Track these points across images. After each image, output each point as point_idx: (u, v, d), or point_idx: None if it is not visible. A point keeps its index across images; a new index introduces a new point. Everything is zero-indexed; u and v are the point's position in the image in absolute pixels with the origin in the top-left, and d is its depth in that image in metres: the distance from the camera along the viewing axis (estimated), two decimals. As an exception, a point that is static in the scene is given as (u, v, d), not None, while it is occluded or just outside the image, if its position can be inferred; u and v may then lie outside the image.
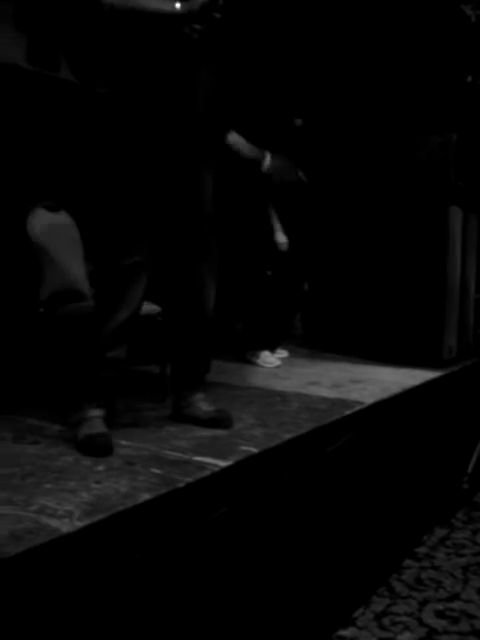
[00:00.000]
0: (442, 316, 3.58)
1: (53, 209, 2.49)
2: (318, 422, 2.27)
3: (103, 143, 2.10)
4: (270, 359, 3.60)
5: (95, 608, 1.27)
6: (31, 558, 1.22)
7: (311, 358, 3.91)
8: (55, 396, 2.29)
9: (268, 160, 3.21)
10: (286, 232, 3.62)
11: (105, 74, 2.12)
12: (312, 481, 2.03)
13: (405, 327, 3.65)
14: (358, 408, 2.53)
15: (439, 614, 2.07)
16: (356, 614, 2.07)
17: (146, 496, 1.50)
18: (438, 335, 3.58)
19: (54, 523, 1.34)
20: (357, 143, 3.97)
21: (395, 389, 2.92)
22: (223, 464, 1.74)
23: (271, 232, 3.56)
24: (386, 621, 2.03)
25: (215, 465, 1.73)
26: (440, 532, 2.77)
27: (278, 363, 3.60)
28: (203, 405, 2.19)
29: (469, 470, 3.28)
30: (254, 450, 1.90)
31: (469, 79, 4.03)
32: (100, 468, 1.69)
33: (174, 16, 1.87)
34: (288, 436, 2.08)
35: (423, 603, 2.13)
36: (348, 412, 2.44)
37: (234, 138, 3.25)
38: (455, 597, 2.17)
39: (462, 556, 2.51)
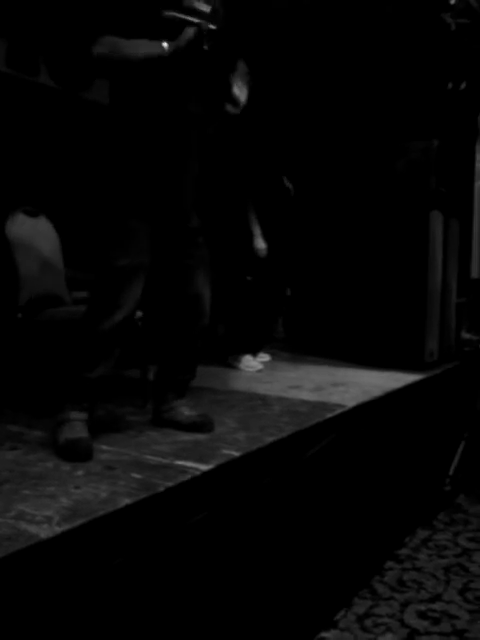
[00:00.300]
0: (423, 320, 3.61)
1: (32, 214, 2.47)
2: (300, 425, 2.28)
3: (95, 148, 2.10)
4: (252, 363, 3.61)
5: (75, 613, 1.26)
6: (9, 564, 1.20)
7: (293, 362, 3.92)
8: (34, 402, 2.27)
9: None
10: (268, 237, 3.63)
11: (86, 80, 2.12)
12: (294, 484, 2.03)
13: (387, 330, 3.67)
14: (339, 411, 2.54)
15: (421, 615, 2.08)
16: (338, 616, 2.07)
17: (126, 501, 1.49)
18: (420, 338, 3.61)
19: (33, 529, 1.32)
20: (339, 149, 4.00)
21: (377, 392, 2.94)
22: (204, 468, 1.74)
23: (251, 238, 3.57)
24: (368, 623, 2.03)
25: (196, 469, 1.72)
26: (422, 534, 2.78)
27: (260, 367, 3.60)
28: (184, 410, 2.19)
29: (451, 472, 3.31)
30: (236, 454, 1.89)
31: (450, 86, 4.09)
32: (79, 473, 1.68)
33: (163, 58, 1.88)
34: (270, 439, 2.08)
35: (405, 604, 2.14)
36: (329, 415, 2.45)
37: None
38: (437, 598, 2.18)
39: (444, 557, 2.53)
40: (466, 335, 4.32)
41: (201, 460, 1.80)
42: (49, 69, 3.75)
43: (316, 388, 3.03)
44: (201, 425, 2.15)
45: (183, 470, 1.72)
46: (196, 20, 1.91)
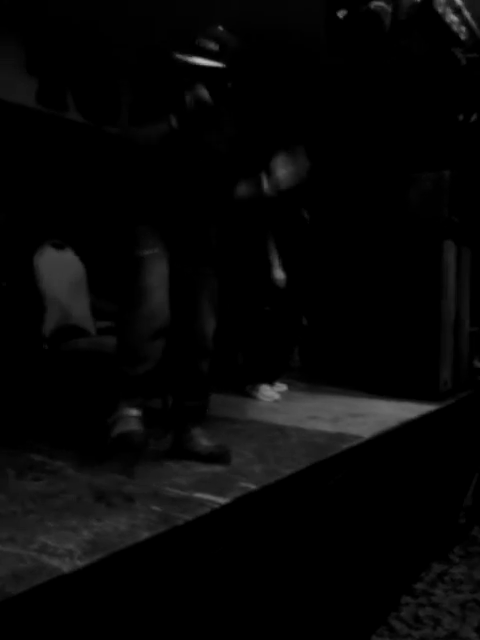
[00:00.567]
0: (437, 349, 3.62)
1: (59, 247, 2.55)
2: (317, 457, 2.29)
3: (117, 181, 2.19)
4: (269, 393, 3.63)
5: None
6: (32, 598, 1.24)
7: (310, 392, 3.93)
8: (57, 432, 2.32)
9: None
10: (286, 267, 3.67)
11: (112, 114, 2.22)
12: (311, 517, 2.04)
13: (401, 360, 3.68)
14: (356, 442, 2.55)
15: (438, 653, 2.07)
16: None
17: (146, 534, 1.52)
18: (434, 368, 3.61)
19: (55, 562, 1.36)
20: (353, 181, 4.05)
21: (393, 423, 2.94)
22: (222, 501, 1.76)
23: (270, 268, 3.61)
24: (386, 661, 2.02)
25: (214, 502, 1.75)
26: (438, 567, 2.76)
27: (277, 397, 3.62)
28: (203, 440, 2.22)
29: (466, 504, 3.28)
30: (253, 486, 1.92)
31: (461, 118, 4.15)
32: (100, 505, 1.71)
33: (176, 130, 1.97)
34: (287, 472, 2.09)
35: (422, 641, 2.13)
36: (346, 446, 2.46)
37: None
38: (453, 636, 2.17)
39: (460, 592, 2.51)
40: (478, 364, 4.31)
41: (219, 493, 1.82)
42: (77, 104, 3.88)
43: (333, 419, 3.05)
44: (219, 456, 2.18)
45: (201, 503, 1.74)
46: (205, 62, 1.98)
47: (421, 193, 3.70)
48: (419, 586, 2.58)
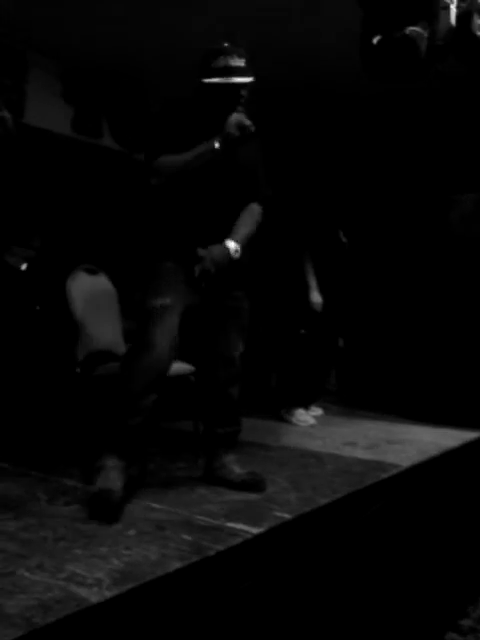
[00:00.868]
0: (481, 373, 3.51)
1: (93, 272, 2.57)
2: (354, 486, 2.22)
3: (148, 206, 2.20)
4: (304, 417, 3.56)
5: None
6: (59, 630, 1.21)
7: (346, 416, 3.85)
8: (89, 456, 2.31)
9: None
10: (322, 289, 3.63)
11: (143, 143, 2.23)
12: (347, 549, 1.96)
13: (442, 384, 3.59)
14: (395, 471, 2.46)
15: None
16: None
17: (176, 564, 1.48)
18: (477, 392, 3.50)
19: (83, 592, 1.32)
20: (393, 203, 4.02)
21: (433, 451, 2.85)
22: (255, 531, 1.71)
23: (307, 291, 3.57)
24: None
25: (247, 532, 1.70)
26: (485, 604, 2.62)
27: (313, 422, 3.55)
28: (235, 467, 2.17)
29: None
30: (287, 516, 1.86)
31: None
32: (131, 533, 1.68)
33: (217, 153, 1.96)
34: (323, 501, 2.03)
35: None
36: (385, 476, 2.38)
37: None
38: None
39: (510, 631, 2.37)
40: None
41: (252, 522, 1.77)
42: (112, 131, 3.96)
43: (370, 445, 2.96)
44: (252, 484, 2.12)
45: (233, 533, 1.69)
46: (235, 80, 2.00)
47: (462, 214, 3.66)
48: (466, 622, 2.45)
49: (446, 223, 3.66)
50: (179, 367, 2.34)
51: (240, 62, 2.02)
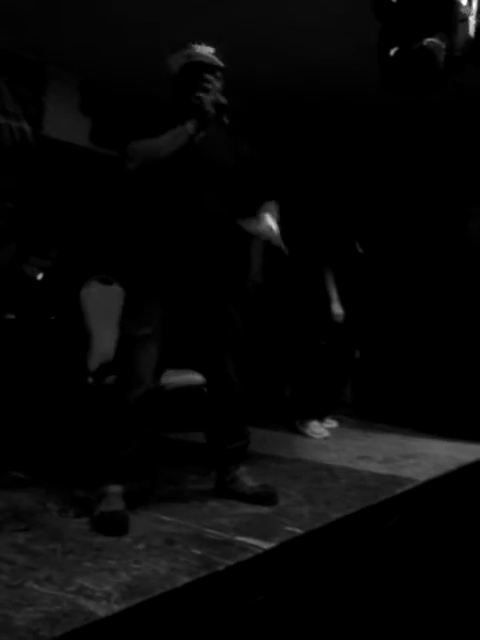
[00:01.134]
0: (499, 388, 3.46)
1: (107, 282, 2.57)
2: (368, 501, 2.19)
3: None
4: (319, 429, 3.53)
5: None
6: (66, 643, 1.19)
7: (361, 429, 3.80)
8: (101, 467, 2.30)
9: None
10: (342, 301, 3.61)
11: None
12: (361, 565, 1.93)
13: (460, 398, 3.53)
14: (411, 486, 2.42)
15: None
16: None
17: (185, 579, 1.46)
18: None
19: (91, 605, 1.31)
20: (409, 215, 4.00)
21: (450, 465, 2.80)
22: (266, 546, 1.69)
23: (328, 302, 3.56)
24: None
25: (258, 547, 1.67)
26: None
27: (327, 434, 3.52)
28: (247, 480, 2.15)
29: None
30: (299, 531, 1.83)
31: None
32: (140, 547, 1.66)
33: (191, 137, 1.94)
34: (336, 515, 2.00)
35: None
36: (400, 491, 2.34)
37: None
38: None
39: None
40: None
41: (263, 537, 1.75)
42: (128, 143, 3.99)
43: (385, 459, 2.92)
44: (265, 497, 2.10)
45: (244, 547, 1.67)
46: (214, 58, 2.04)
47: (479, 226, 3.61)
48: (481, 644, 2.38)
49: (463, 235, 3.63)
50: (191, 378, 2.33)
51: (206, 50, 2.05)
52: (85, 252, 3.21)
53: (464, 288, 3.60)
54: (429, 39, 2.47)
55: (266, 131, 4.40)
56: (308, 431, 3.52)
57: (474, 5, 2.44)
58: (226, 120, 2.06)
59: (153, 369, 1.95)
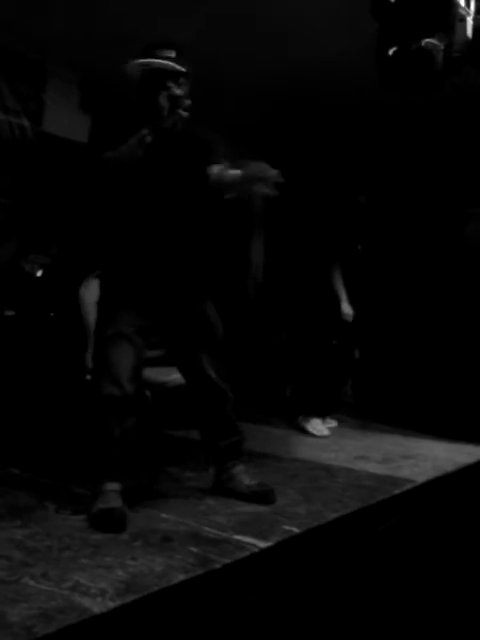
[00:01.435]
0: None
1: (105, 279, 2.56)
2: (366, 501, 2.19)
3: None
4: (320, 427, 3.53)
5: None
6: (61, 639, 1.19)
7: (361, 428, 3.80)
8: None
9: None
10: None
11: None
12: (358, 565, 1.92)
13: (460, 400, 3.53)
14: (409, 487, 2.42)
15: None
16: None
17: (181, 577, 1.46)
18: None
19: (86, 602, 1.31)
20: (409, 216, 4.00)
21: (449, 467, 2.79)
22: (263, 545, 1.68)
23: (338, 302, 3.56)
24: None
25: (254, 546, 1.67)
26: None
27: (327, 433, 3.52)
28: (245, 478, 2.14)
29: None
30: (296, 530, 1.83)
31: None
32: (137, 543, 1.66)
33: (148, 138, 1.89)
34: (333, 515, 2.00)
35: None
36: (397, 491, 2.34)
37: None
38: None
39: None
40: None
41: (260, 536, 1.74)
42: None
43: (384, 459, 2.91)
44: (262, 496, 2.10)
45: (241, 546, 1.67)
46: (172, 64, 1.97)
47: (477, 228, 3.61)
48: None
49: (462, 236, 3.63)
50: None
51: (168, 53, 2.00)
52: (84, 249, 3.20)
53: (464, 289, 3.59)
54: (427, 39, 2.46)
55: (266, 131, 4.41)
56: (310, 428, 3.52)
57: (472, 5, 2.43)
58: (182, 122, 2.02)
59: (129, 368, 1.93)
